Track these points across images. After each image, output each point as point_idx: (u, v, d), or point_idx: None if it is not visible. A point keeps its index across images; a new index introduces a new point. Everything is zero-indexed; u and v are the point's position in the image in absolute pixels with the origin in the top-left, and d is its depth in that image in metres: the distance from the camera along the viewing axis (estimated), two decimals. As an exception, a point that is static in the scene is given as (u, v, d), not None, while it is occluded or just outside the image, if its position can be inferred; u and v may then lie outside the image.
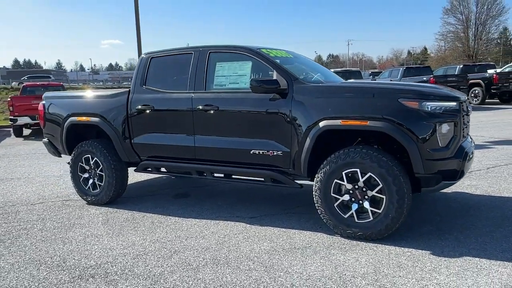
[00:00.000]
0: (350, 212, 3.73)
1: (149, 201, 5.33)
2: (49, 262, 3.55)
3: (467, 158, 3.68)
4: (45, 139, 5.82)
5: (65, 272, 3.34)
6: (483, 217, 4.21)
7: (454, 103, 3.59)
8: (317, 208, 3.92)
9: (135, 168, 5.19)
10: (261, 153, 4.16)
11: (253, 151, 4.20)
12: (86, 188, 5.34)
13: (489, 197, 4.88)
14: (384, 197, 3.57)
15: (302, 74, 4.53)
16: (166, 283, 3.09)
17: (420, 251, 3.45)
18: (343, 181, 3.73)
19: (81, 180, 5.37)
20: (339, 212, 3.78)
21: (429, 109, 3.49)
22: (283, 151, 4.05)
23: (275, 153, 4.09)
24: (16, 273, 3.37)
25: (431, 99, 3.55)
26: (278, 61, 4.35)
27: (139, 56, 13.62)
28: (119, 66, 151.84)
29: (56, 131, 5.59)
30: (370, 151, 3.61)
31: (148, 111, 4.80)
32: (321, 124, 3.78)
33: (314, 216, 4.34)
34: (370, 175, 3.60)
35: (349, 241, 3.72)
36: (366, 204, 3.66)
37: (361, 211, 3.71)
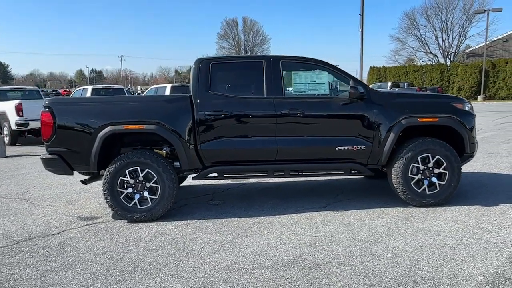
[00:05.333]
0: (423, 187, 4.99)
1: (197, 211, 5.16)
2: (236, 267, 3.47)
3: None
4: (51, 155, 4.79)
5: (285, 269, 3.40)
6: (466, 183, 6.15)
7: (471, 105, 5.37)
8: (397, 187, 5.00)
9: (194, 175, 5.01)
10: (346, 149, 4.95)
11: (338, 147, 4.94)
12: (131, 205, 4.77)
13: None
14: (447, 172, 4.98)
15: None
16: (377, 251, 3.64)
17: (475, 206, 4.99)
18: (418, 164, 4.97)
19: (122, 196, 4.75)
20: (415, 188, 4.99)
21: (468, 109, 5.14)
22: (366, 145, 4.96)
23: (359, 148, 4.96)
24: (243, 279, 3.21)
25: (467, 103, 5.20)
26: (345, 72, 5.24)
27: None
28: None
29: (78, 144, 4.74)
30: (437, 140, 4.98)
31: (222, 116, 4.81)
32: (403, 121, 4.91)
33: (369, 199, 5.40)
34: (438, 157, 4.96)
35: (427, 208, 4.96)
36: (434, 179, 5.00)
37: (429, 184, 5.02)
